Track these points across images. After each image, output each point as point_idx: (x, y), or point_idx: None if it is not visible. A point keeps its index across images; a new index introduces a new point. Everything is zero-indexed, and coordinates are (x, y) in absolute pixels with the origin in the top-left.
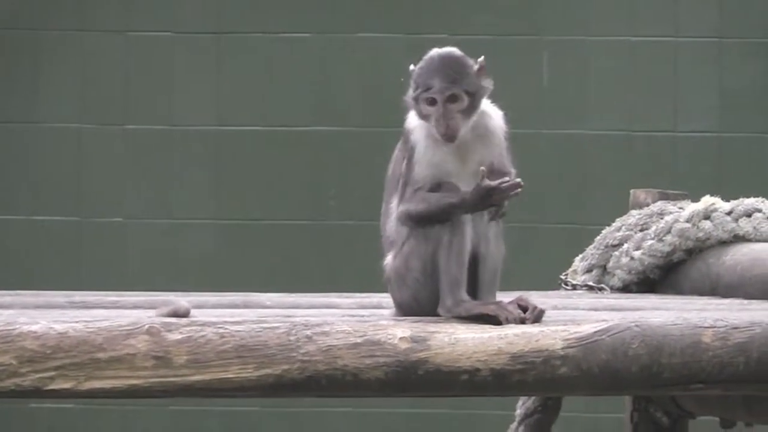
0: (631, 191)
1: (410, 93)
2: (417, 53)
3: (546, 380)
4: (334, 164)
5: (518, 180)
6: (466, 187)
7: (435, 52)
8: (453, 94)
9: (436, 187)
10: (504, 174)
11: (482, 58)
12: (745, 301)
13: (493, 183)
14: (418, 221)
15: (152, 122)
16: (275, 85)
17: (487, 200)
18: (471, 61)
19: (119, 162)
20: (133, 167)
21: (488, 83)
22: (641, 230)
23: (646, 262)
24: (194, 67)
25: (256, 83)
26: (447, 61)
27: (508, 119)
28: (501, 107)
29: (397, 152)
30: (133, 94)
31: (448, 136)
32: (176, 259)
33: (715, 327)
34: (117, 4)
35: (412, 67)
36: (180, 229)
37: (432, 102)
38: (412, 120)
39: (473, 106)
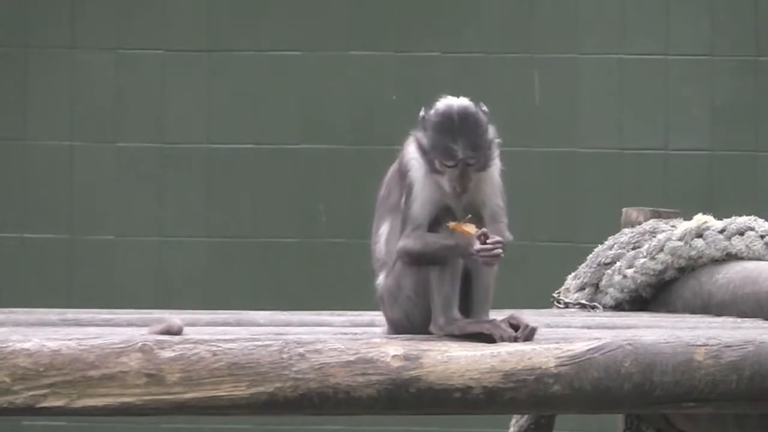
0: (623, 209)
1: (422, 141)
2: (408, 71)
3: (538, 398)
4: (324, 182)
5: (499, 251)
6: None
7: (452, 107)
8: (474, 161)
9: (434, 222)
10: (496, 223)
11: (484, 107)
12: (738, 320)
13: (484, 247)
14: (415, 259)
15: (143, 140)
16: (266, 103)
17: (479, 256)
18: (483, 116)
19: (110, 179)
20: (125, 185)
21: (495, 135)
22: (633, 248)
23: (638, 281)
24: (185, 84)
25: (248, 101)
26: (468, 122)
27: (500, 143)
28: (494, 129)
29: (391, 178)
30: (124, 111)
31: (459, 196)
32: (168, 276)
33: (707, 345)
34: (108, 21)
35: (422, 113)
36: (172, 247)
37: (451, 166)
38: (411, 153)
39: (486, 166)
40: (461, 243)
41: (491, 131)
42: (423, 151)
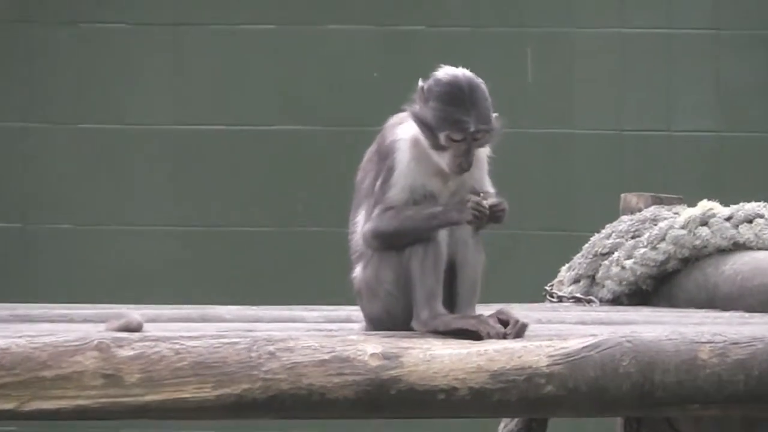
0: (622, 195)
1: (424, 114)
2: (391, 47)
3: (529, 400)
4: (301, 166)
5: (503, 203)
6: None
7: (460, 77)
8: (485, 134)
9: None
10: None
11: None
12: (746, 314)
13: (484, 201)
14: (387, 240)
15: (105, 121)
16: (238, 81)
17: (471, 217)
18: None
19: (69, 164)
20: (84, 170)
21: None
22: (633, 237)
23: (638, 272)
24: (151, 61)
25: (218, 78)
26: (478, 92)
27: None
28: None
29: (369, 161)
30: (84, 90)
31: (463, 172)
32: (129, 269)
33: (712, 342)
34: None
35: (422, 84)
36: (134, 237)
37: (459, 140)
38: (401, 133)
39: (487, 141)
40: (451, 206)
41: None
42: (424, 125)
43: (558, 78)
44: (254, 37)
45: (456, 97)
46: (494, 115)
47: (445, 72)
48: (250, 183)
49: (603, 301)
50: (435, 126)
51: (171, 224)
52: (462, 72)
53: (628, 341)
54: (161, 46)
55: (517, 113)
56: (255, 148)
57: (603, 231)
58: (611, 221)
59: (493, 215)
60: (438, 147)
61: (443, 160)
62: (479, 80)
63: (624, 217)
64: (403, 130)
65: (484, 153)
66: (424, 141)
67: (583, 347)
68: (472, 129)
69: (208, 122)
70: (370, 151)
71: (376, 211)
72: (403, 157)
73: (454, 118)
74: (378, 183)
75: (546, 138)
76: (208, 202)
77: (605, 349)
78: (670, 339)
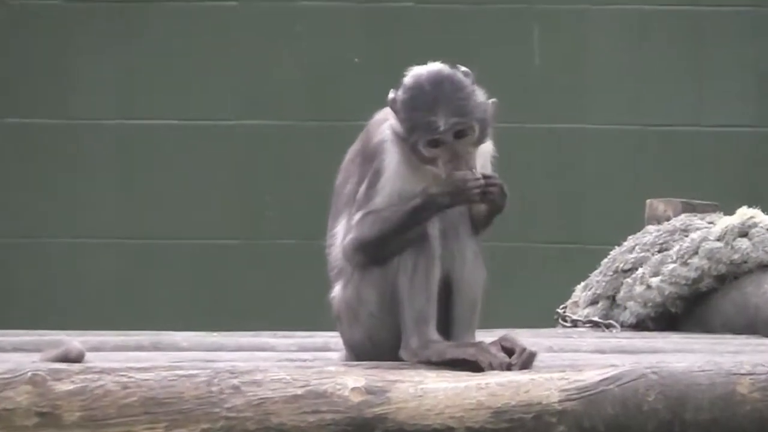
0: (648, 201)
1: (397, 129)
2: (375, 26)
3: None
4: (271, 168)
5: (500, 182)
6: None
7: (423, 75)
8: (463, 128)
9: None
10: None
11: (462, 68)
12: None
13: (471, 175)
14: (373, 252)
15: (41, 114)
16: (196, 67)
17: (460, 195)
18: (464, 77)
19: None
20: (15, 172)
21: (489, 99)
22: (660, 251)
23: (666, 292)
24: (94, 43)
25: (172, 64)
26: (443, 86)
27: (496, 106)
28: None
29: (351, 162)
30: (15, 78)
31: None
32: (69, 288)
33: (753, 374)
34: None
35: (392, 95)
36: (75, 250)
37: (437, 144)
38: (386, 133)
39: (484, 136)
40: (435, 189)
41: (480, 93)
42: (402, 140)
43: (569, 62)
44: (214, 14)
45: (418, 99)
46: (483, 103)
47: (411, 74)
48: (210, 187)
49: (625, 326)
50: (407, 137)
51: (117, 236)
52: (428, 69)
53: (654, 373)
54: (107, 26)
55: (521, 104)
56: (217, 146)
57: (625, 244)
58: (634, 232)
59: (487, 193)
60: (426, 160)
61: (439, 171)
62: (450, 71)
63: (650, 228)
64: (393, 137)
65: (486, 150)
66: (412, 160)
67: (602, 380)
68: (441, 128)
69: (160, 116)
70: (352, 151)
71: (357, 217)
72: (392, 159)
73: (422, 122)
74: (362, 188)
75: (555, 134)
76: (162, 210)
77: (627, 382)
78: (703, 370)
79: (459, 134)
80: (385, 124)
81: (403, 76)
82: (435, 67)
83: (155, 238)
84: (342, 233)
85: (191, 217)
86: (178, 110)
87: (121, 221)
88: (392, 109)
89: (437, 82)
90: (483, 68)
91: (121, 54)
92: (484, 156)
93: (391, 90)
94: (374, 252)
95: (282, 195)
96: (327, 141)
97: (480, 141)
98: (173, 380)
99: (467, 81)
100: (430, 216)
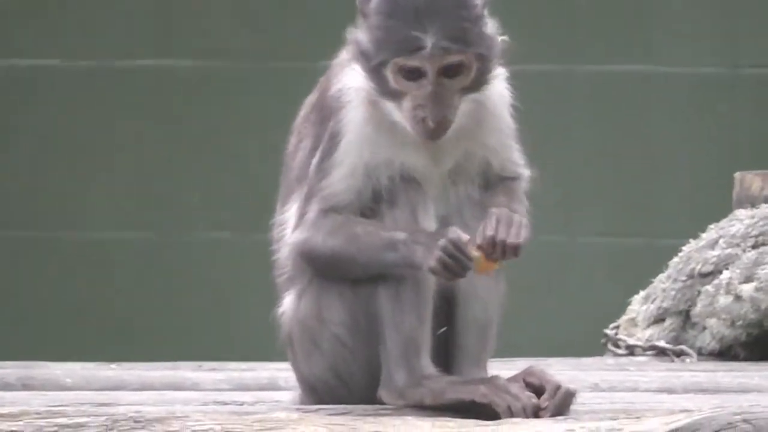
0: (737, 175)
1: (362, 41)
2: None
3: None
4: (195, 130)
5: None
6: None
7: None
8: (457, 61)
9: (370, 202)
10: (510, 193)
11: None
12: None
13: (466, 242)
14: (321, 267)
15: None
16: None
17: (431, 263)
18: None
19: None
20: None
21: (498, 33)
22: (755, 246)
23: (763, 306)
24: None
25: None
26: None
27: (507, 47)
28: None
29: (305, 120)
30: None
31: (436, 134)
32: None
33: None
34: None
35: None
36: None
37: (415, 74)
38: (350, 80)
39: (482, 81)
40: (423, 239)
41: (490, 23)
42: (363, 55)
43: None
44: None
45: (401, 4)
46: (488, 33)
47: None
48: (109, 156)
49: (704, 354)
50: (373, 54)
51: None
52: None
53: (746, 422)
54: None
55: (565, 41)
56: (117, 95)
57: (704, 236)
58: (718, 219)
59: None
60: (389, 93)
61: (402, 114)
62: None
63: (739, 212)
64: (356, 74)
65: (500, 104)
66: (371, 87)
67: (671, 431)
68: (427, 48)
69: (42, 54)
70: (307, 105)
71: (311, 213)
72: (354, 116)
73: (399, 34)
74: (315, 159)
75: (607, 79)
76: (36, 192)
77: None
78: None
79: (449, 69)
80: (347, 68)
81: None
82: None
83: (25, 229)
84: (293, 223)
85: (81, 203)
86: (65, 48)
87: None
88: (361, 13)
89: None
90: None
91: None
92: (498, 107)
93: None
94: (328, 271)
95: (210, 168)
96: (274, 91)
97: (474, 87)
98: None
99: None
100: (398, 268)
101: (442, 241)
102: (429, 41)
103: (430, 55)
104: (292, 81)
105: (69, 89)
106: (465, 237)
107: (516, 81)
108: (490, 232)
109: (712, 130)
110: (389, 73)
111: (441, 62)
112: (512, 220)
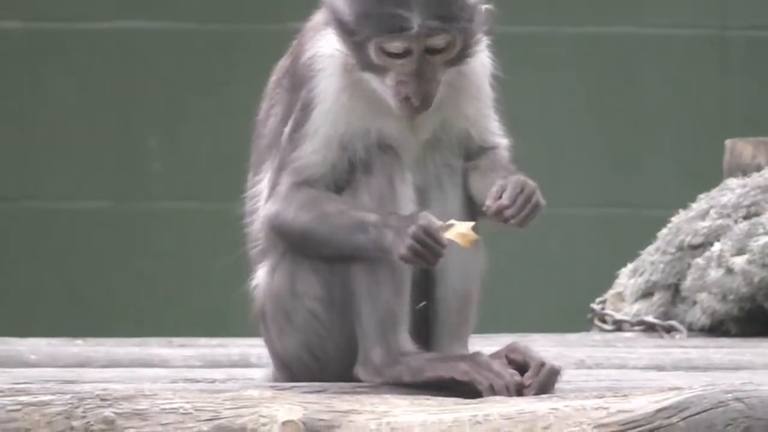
0: (727, 142)
1: (341, 10)
2: None
3: None
4: (158, 93)
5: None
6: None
7: None
8: (442, 42)
9: (345, 174)
10: (485, 149)
11: None
12: None
13: (438, 229)
14: (291, 241)
15: None
16: None
17: (402, 251)
18: None
19: None
20: None
21: (484, 9)
22: (746, 217)
23: (756, 278)
24: None
25: None
26: None
27: (491, 14)
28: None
29: (278, 86)
30: None
31: (419, 110)
32: None
33: None
34: None
35: None
36: None
37: (400, 51)
38: (324, 45)
39: (466, 54)
40: (395, 222)
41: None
42: (343, 29)
43: None
44: None
45: None
46: (474, 5)
47: None
48: (67, 122)
49: (694, 330)
50: (354, 29)
51: None
52: None
53: (738, 399)
54: None
55: (546, 1)
56: (76, 59)
57: (694, 205)
58: (708, 188)
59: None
60: (370, 67)
61: (384, 89)
62: None
63: (731, 181)
64: (330, 39)
65: (479, 72)
66: (348, 58)
67: (659, 410)
68: (414, 29)
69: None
70: (279, 69)
71: (283, 185)
72: (328, 85)
73: (383, 12)
74: (288, 129)
75: (595, 41)
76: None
77: (698, 413)
78: None
79: (432, 47)
80: (321, 32)
81: None
82: None
83: None
84: (266, 193)
85: (40, 169)
86: (22, 8)
87: None
88: None
89: None
90: None
91: None
92: (480, 77)
93: None
94: (300, 247)
95: (173, 134)
96: (244, 54)
97: (457, 61)
98: (14, 411)
99: None
100: (368, 251)
101: (412, 228)
102: (415, 21)
103: (416, 36)
104: (260, 43)
105: (26, 52)
106: (437, 223)
107: (498, 44)
108: (515, 191)
109: (702, 96)
110: (371, 50)
111: (427, 42)
112: (526, 184)
